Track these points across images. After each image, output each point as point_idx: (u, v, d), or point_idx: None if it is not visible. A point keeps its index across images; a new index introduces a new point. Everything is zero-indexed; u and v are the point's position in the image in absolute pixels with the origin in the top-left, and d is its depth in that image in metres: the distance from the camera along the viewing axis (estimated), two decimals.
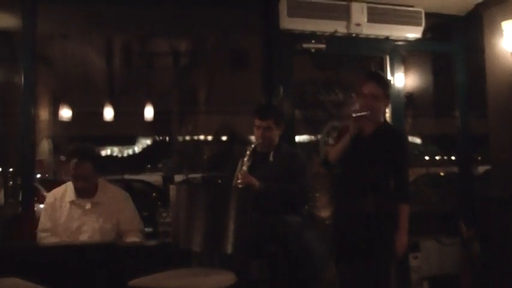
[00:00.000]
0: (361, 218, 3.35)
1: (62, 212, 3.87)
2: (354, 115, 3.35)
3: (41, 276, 2.95)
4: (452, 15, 5.39)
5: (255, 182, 3.71)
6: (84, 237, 3.81)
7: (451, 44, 5.43)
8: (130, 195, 4.07)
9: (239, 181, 3.71)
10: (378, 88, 3.43)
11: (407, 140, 3.66)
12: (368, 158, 3.42)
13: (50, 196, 3.98)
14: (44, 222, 3.88)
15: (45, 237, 3.83)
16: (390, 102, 4.59)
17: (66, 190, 3.93)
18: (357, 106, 3.44)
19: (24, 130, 4.13)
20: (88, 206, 3.87)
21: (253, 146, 3.88)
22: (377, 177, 3.40)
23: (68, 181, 3.98)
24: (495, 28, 4.85)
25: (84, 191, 3.88)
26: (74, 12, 5.04)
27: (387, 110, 4.84)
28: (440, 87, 6.43)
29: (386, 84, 3.54)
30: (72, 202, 3.87)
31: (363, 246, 3.31)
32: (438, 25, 5.46)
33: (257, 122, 3.91)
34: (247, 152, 3.83)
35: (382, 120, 3.57)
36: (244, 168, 3.78)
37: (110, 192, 3.98)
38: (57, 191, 3.96)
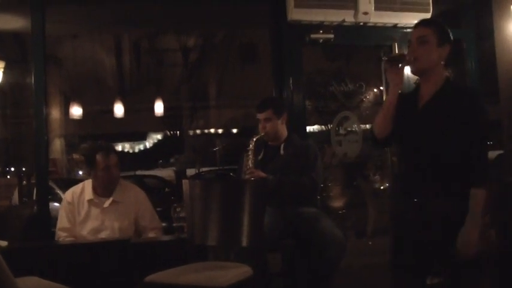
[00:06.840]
0: (429, 216, 2.62)
1: (80, 210, 3.87)
2: (385, 58, 2.82)
3: (58, 275, 2.98)
4: (460, 0, 5.33)
5: (263, 176, 3.68)
6: (103, 236, 3.82)
7: (461, 30, 5.38)
8: (143, 191, 4.10)
9: (247, 176, 3.70)
10: (424, 29, 2.74)
11: (482, 100, 2.76)
12: (430, 130, 2.67)
13: (68, 194, 3.96)
14: (62, 221, 3.87)
15: (63, 237, 3.84)
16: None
17: (84, 188, 3.92)
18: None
19: (38, 130, 4.15)
20: (106, 204, 3.87)
21: (254, 139, 3.85)
22: (446, 155, 2.62)
23: (79, 178, 4.00)
24: (504, 12, 4.81)
25: (109, 185, 3.88)
26: (83, 11, 5.07)
27: None
28: (451, 73, 6.39)
29: (437, 25, 2.77)
30: (90, 201, 3.87)
31: (431, 251, 2.63)
32: (447, 11, 5.42)
33: (257, 115, 3.93)
34: (250, 146, 3.82)
35: (443, 77, 2.77)
36: (250, 163, 3.76)
37: (128, 191, 3.98)
38: (75, 189, 3.95)
